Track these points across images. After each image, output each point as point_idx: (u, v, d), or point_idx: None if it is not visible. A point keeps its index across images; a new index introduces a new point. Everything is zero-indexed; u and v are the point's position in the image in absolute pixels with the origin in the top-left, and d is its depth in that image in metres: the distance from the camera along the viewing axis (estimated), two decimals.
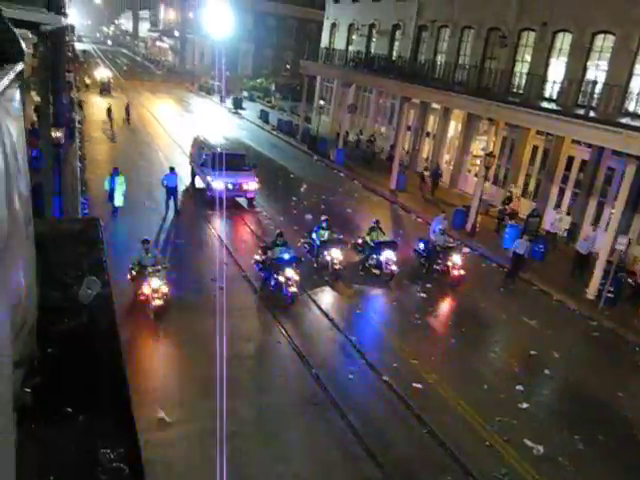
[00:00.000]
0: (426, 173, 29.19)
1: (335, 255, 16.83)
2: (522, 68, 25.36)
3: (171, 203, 21.22)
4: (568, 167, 23.52)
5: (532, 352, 14.33)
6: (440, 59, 30.55)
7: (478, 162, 26.93)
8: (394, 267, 16.99)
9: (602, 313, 16.76)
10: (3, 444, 1.61)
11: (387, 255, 17.04)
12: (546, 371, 13.57)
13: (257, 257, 15.83)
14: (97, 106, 42.85)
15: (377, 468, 9.69)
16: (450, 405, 11.70)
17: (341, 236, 17.70)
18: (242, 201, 23.32)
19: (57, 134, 16.97)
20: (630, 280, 17.91)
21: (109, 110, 36.29)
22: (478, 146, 28.47)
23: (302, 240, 17.85)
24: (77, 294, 2.77)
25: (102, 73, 52.07)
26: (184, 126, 37.73)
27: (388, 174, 28.95)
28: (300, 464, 9.69)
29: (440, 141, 31.38)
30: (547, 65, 24.00)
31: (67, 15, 26.77)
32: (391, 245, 17.51)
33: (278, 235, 15.85)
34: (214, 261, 17.06)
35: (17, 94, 2.89)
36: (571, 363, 14.20)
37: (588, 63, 22.12)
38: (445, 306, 17.22)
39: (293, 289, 14.73)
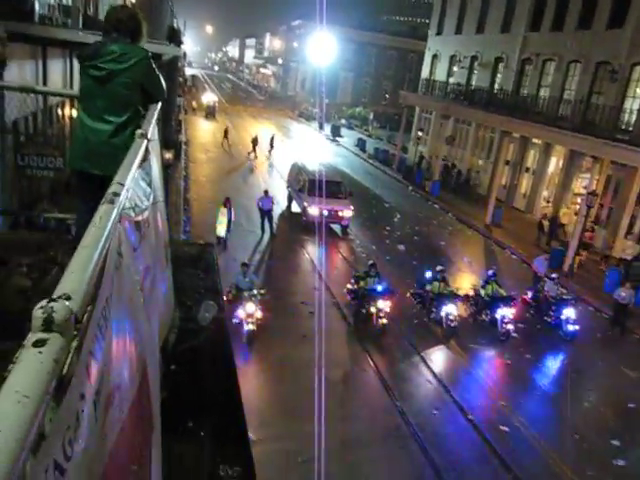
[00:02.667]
0: (545, 222, 26.04)
1: (450, 310, 15.53)
2: (633, 104, 24.27)
3: (266, 225, 21.89)
4: None
5: (631, 405, 13.49)
6: (543, 93, 29.82)
7: (579, 200, 25.90)
8: (510, 326, 15.64)
9: None
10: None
11: (503, 312, 15.64)
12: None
13: (349, 286, 15.90)
14: (203, 129, 45.12)
15: None
16: (538, 452, 11.23)
17: (455, 289, 16.60)
18: (336, 227, 23.66)
19: (167, 155, 18.03)
20: None
21: (226, 132, 39.05)
22: (580, 184, 27.41)
23: (411, 291, 16.77)
24: (196, 316, 3.02)
25: (209, 97, 54.85)
26: (283, 151, 38.88)
27: (484, 208, 28.42)
28: None
29: (540, 177, 30.47)
30: None
31: (182, 46, 28.61)
32: (508, 301, 16.06)
33: (371, 266, 15.80)
34: (306, 285, 17.43)
35: (156, 131, 3.22)
36: None
37: None
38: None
39: (384, 321, 14.66)
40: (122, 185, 1.71)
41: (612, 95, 24.98)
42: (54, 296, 1.10)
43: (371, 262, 16.23)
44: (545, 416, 12.92)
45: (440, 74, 40.27)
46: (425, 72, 42.89)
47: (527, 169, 31.98)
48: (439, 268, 16.83)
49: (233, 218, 20.58)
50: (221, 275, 13.37)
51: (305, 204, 22.97)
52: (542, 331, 16.60)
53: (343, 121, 60.28)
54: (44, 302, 1.07)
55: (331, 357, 13.76)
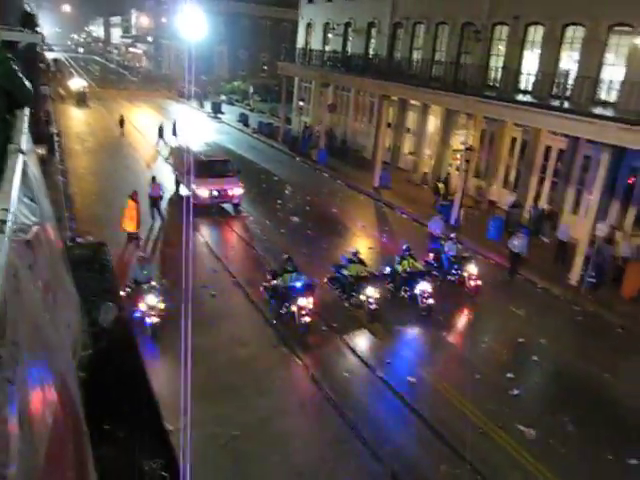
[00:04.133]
0: (440, 185, 26.70)
1: (370, 294, 14.96)
2: (497, 62, 25.78)
3: (155, 212, 21.32)
4: (546, 157, 24.02)
5: (520, 339, 14.71)
6: (416, 56, 30.90)
7: (459, 156, 27.35)
8: (431, 300, 15.31)
9: (585, 298, 17.23)
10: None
11: (422, 287, 15.37)
12: (534, 357, 13.96)
13: (265, 284, 15.04)
14: (75, 118, 42.73)
15: (372, 459, 9.99)
16: (444, 397, 12.05)
17: (373, 271, 15.98)
18: (228, 207, 23.49)
19: (40, 151, 17.03)
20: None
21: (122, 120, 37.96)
22: (458, 140, 28.89)
23: (327, 277, 16.07)
24: (97, 319, 3.01)
25: (77, 83, 51.72)
26: (166, 135, 37.71)
27: (371, 172, 29.28)
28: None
29: (421, 137, 31.77)
30: (521, 58, 24.45)
31: (40, 30, 26.79)
32: (426, 275, 15.83)
33: (287, 260, 14.73)
34: (205, 268, 17.30)
35: (29, 135, 3.11)
36: (557, 348, 14.58)
37: (560, 55, 22.60)
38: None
39: (307, 319, 13.85)
40: (6, 211, 1.68)
41: (478, 54, 26.37)
42: None
43: (286, 256, 14.99)
44: (449, 363, 13.79)
45: (316, 42, 40.52)
46: (300, 41, 42.98)
47: (408, 130, 33.19)
48: (353, 250, 16.40)
49: (160, 214, 20.47)
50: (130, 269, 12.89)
51: (193, 186, 22.36)
52: (447, 289, 16.84)
53: (223, 97, 59.24)
54: None
55: (240, 337, 13.90)
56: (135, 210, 19.00)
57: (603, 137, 16.81)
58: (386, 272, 16.34)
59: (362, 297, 15.07)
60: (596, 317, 16.41)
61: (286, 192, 27.63)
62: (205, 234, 20.84)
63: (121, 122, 38.12)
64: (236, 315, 15.17)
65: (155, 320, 13.00)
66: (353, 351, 13.68)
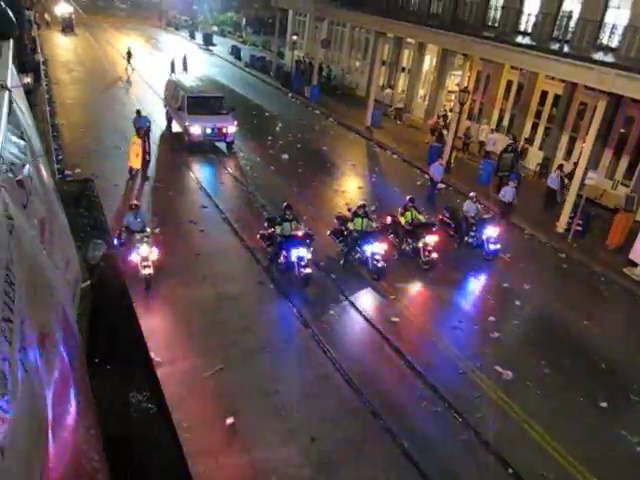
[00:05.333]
0: (445, 132, 25.07)
1: (377, 250, 14.27)
2: (498, 1, 25.05)
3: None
4: (542, 102, 23.74)
5: (505, 284, 14.98)
6: None
7: (453, 97, 26.97)
8: (435, 254, 14.85)
9: (571, 245, 17.45)
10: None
11: (426, 240, 14.89)
12: (517, 302, 14.26)
13: (262, 231, 14.50)
14: (62, 46, 41.43)
15: (355, 395, 10.33)
16: (428, 338, 12.36)
17: (377, 225, 15.10)
18: (221, 145, 23.07)
19: (26, 79, 16.57)
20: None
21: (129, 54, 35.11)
22: (453, 81, 28.42)
23: (329, 231, 15.42)
24: (85, 256, 3.03)
25: (63, 9, 49.73)
26: (154, 65, 36.79)
27: (364, 110, 28.88)
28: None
29: (416, 76, 31.20)
30: None
31: None
32: (429, 227, 15.30)
33: (286, 208, 14.08)
34: (194, 204, 17.29)
35: (14, 68, 3.03)
36: (539, 294, 14.87)
37: None
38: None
39: (308, 270, 13.36)
40: None
41: None
42: None
43: (286, 204, 14.28)
44: (435, 307, 14.05)
45: None
46: None
47: (403, 69, 32.56)
48: (361, 203, 15.30)
49: (148, 147, 19.57)
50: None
51: (186, 123, 21.90)
52: (463, 252, 16.22)
53: (215, 28, 57.47)
54: None
55: (226, 273, 14.05)
56: (139, 146, 18.68)
57: (601, 84, 16.58)
58: (388, 222, 15.87)
59: (367, 253, 14.35)
60: (580, 265, 16.66)
61: (277, 129, 27.26)
62: (195, 170, 20.68)
63: (128, 56, 35.00)
64: (223, 251, 15.25)
65: (149, 272, 12.53)
66: (341, 291, 13.81)
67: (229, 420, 9.40)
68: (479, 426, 9.90)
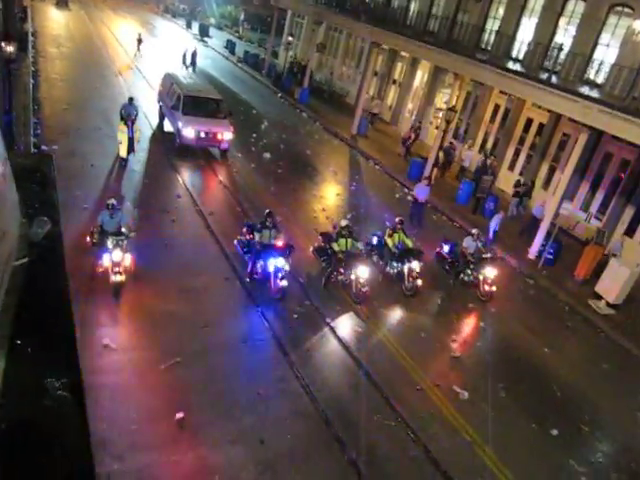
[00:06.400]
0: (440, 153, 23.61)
1: (361, 274, 13.57)
2: (493, 25, 25.31)
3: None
4: (526, 129, 24.00)
5: (470, 305, 15.03)
6: (414, 6, 30.11)
7: (440, 115, 27.15)
8: (419, 281, 14.31)
9: (540, 273, 17.62)
10: None
11: (412, 266, 14.35)
12: (481, 324, 14.33)
13: (240, 237, 13.97)
14: (54, 20, 40.79)
15: (308, 401, 10.24)
16: (390, 352, 12.33)
17: (361, 247, 14.41)
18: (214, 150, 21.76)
19: (9, 48, 16.18)
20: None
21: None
22: (442, 99, 28.61)
23: (312, 247, 14.79)
24: (29, 232, 2.90)
25: None
26: (147, 50, 36.41)
27: (351, 118, 28.90)
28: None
29: (406, 90, 31.35)
30: (518, 25, 24.00)
31: None
32: (417, 254, 14.68)
33: (267, 215, 13.46)
34: (168, 194, 17.06)
35: None
36: (505, 318, 14.95)
37: (557, 27, 22.25)
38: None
39: (284, 282, 12.75)
40: None
41: (476, 14, 25.83)
42: None
43: (267, 211, 13.67)
44: (402, 324, 13.99)
45: None
46: None
47: (394, 81, 32.72)
48: (344, 223, 14.39)
49: (134, 135, 18.29)
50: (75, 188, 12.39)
51: (179, 124, 20.41)
52: (454, 288, 15.44)
53: (212, 20, 57.21)
54: None
55: (193, 266, 13.86)
56: (125, 134, 18.00)
57: (583, 117, 16.80)
58: (374, 243, 15.30)
59: (352, 276, 13.66)
60: (547, 293, 16.82)
61: (262, 127, 27.10)
62: (176, 164, 20.33)
63: (139, 42, 34.62)
64: (192, 244, 15.05)
65: (120, 279, 11.58)
66: (317, 309, 13.33)
67: (178, 415, 9.24)
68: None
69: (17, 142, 16.55)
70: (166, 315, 11.74)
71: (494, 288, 15.08)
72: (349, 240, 14.04)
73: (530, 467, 10.02)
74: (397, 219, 15.34)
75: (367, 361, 11.69)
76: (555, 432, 10.89)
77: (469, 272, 15.33)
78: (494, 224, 18.43)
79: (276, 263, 12.74)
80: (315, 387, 10.60)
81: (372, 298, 13.90)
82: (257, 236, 13.19)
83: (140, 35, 35.25)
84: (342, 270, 13.89)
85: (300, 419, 9.91)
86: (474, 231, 15.84)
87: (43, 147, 17.62)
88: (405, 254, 14.55)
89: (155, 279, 12.76)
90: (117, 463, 8.20)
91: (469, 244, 15.49)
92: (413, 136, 26.67)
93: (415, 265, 14.37)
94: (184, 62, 34.41)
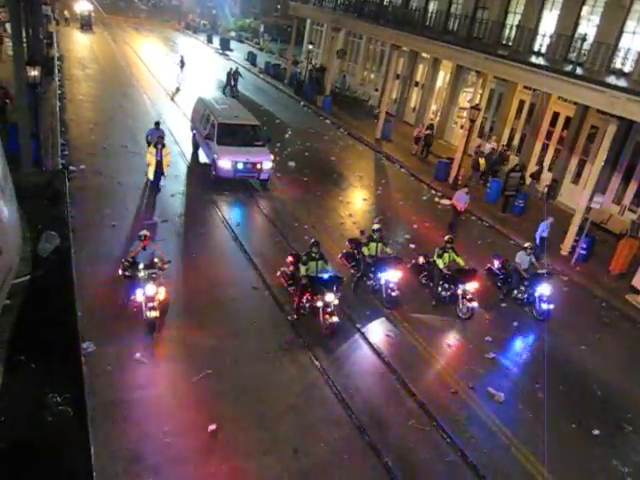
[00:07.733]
0: (481, 160, 22.91)
1: (391, 278, 13.35)
2: (514, 20, 24.95)
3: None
4: (553, 123, 23.54)
5: (503, 305, 14.72)
6: (432, 6, 29.91)
7: (464, 114, 26.83)
8: (475, 303, 13.42)
9: (574, 269, 17.19)
10: None
11: (466, 287, 13.47)
12: (515, 323, 14.02)
13: (284, 268, 13.26)
14: (78, 43, 41.71)
15: (341, 409, 10.13)
16: (422, 356, 12.15)
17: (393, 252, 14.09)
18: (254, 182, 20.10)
19: (33, 73, 16.51)
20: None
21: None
22: (465, 98, 28.30)
23: (341, 253, 14.52)
24: (37, 247, 2.90)
25: (82, 6, 50.15)
26: (170, 67, 36.92)
27: (375, 122, 28.77)
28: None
29: (429, 91, 31.11)
30: (539, 18, 23.61)
31: None
32: (471, 274, 13.75)
33: (313, 245, 12.56)
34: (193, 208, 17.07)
35: None
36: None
37: (580, 17, 21.82)
38: None
39: (334, 318, 11.79)
40: None
41: (496, 10, 25.51)
42: None
43: (313, 240, 12.80)
44: (429, 324, 13.77)
45: None
46: None
47: (417, 83, 32.49)
48: (375, 227, 14.09)
49: (163, 158, 17.34)
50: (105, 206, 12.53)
51: (215, 156, 18.88)
52: (509, 308, 14.65)
53: (233, 34, 57.78)
54: None
55: (222, 279, 13.90)
56: (153, 156, 17.36)
57: (611, 108, 16.39)
58: (420, 263, 14.51)
59: (382, 281, 13.40)
60: (582, 289, 16.40)
61: (286, 136, 27.16)
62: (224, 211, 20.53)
63: (182, 64, 33.58)
64: (220, 254, 15.12)
65: (154, 314, 11.03)
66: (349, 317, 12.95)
67: (211, 426, 9.24)
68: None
69: (45, 164, 16.89)
70: (197, 327, 11.77)
71: (552, 306, 13.99)
72: (379, 245, 13.79)
73: (571, 469, 9.73)
74: (446, 237, 14.35)
75: (399, 366, 11.54)
76: (596, 432, 10.58)
77: (522, 289, 14.46)
78: (541, 230, 17.07)
79: (325, 298, 11.80)
80: (347, 394, 10.50)
81: (403, 302, 13.74)
82: (302, 268, 12.34)
83: (182, 58, 34.03)
84: (371, 275, 13.74)
85: (333, 427, 9.81)
86: (527, 245, 14.81)
87: (71, 167, 17.95)
88: (457, 274, 13.75)
89: (185, 293, 12.83)
90: (152, 477, 8.23)
91: (522, 259, 14.48)
92: (425, 132, 26.20)
93: (469, 286, 13.48)
94: (228, 84, 33.15)
